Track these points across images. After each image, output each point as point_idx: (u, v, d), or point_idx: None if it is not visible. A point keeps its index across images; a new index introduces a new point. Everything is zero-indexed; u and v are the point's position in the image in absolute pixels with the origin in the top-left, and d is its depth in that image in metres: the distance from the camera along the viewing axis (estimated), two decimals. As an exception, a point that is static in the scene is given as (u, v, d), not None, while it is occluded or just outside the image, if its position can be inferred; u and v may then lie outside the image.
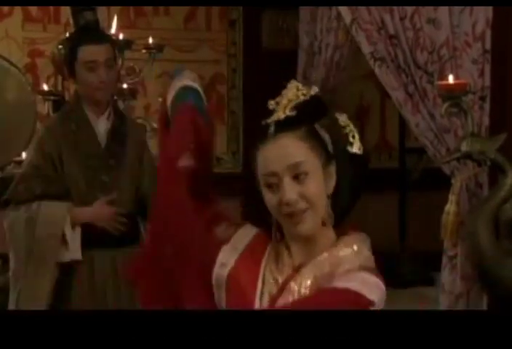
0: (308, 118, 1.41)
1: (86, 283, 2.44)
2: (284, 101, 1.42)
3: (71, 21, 3.07)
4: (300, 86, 1.45)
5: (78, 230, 2.43)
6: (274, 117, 1.41)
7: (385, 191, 5.12)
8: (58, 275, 2.43)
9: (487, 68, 2.65)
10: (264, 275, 1.41)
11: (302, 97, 1.42)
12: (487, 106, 2.65)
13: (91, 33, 2.58)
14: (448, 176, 2.72)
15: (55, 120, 2.61)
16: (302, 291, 1.36)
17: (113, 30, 3.13)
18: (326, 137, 1.41)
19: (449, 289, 2.73)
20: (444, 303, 2.75)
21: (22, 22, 4.51)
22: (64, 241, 2.41)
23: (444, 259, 2.76)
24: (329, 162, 1.41)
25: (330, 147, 1.41)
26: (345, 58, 4.30)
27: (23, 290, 2.42)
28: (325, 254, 1.39)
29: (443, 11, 2.71)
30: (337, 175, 1.42)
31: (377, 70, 2.92)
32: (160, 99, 3.49)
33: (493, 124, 2.64)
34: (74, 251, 2.41)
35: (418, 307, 3.15)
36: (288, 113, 1.40)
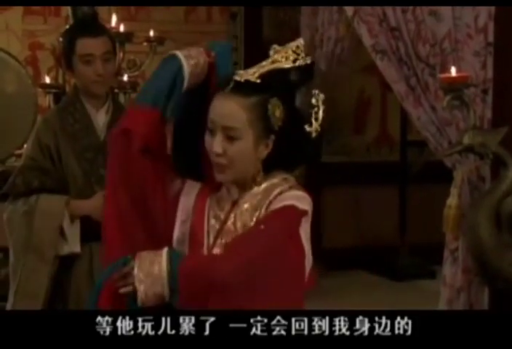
0: (269, 91, 1.47)
1: (86, 276, 2.43)
2: (268, 61, 1.49)
3: (70, 13, 3.06)
4: (301, 48, 1.50)
5: (77, 223, 2.42)
6: (239, 75, 1.47)
7: (385, 184, 5.11)
8: (57, 268, 2.43)
9: (490, 61, 2.64)
10: (208, 215, 1.55)
11: (287, 63, 1.50)
12: (489, 99, 2.64)
13: (88, 25, 2.55)
14: (449, 169, 2.71)
15: (53, 112, 2.57)
16: (242, 219, 1.51)
17: (113, 23, 3.12)
18: (278, 112, 1.46)
19: (450, 283, 2.73)
20: (444, 296, 2.75)
21: (23, 14, 4.50)
22: (62, 234, 2.40)
23: (446, 253, 2.75)
24: (266, 135, 1.49)
25: (275, 122, 1.48)
26: (347, 51, 4.28)
27: (21, 283, 2.42)
28: (258, 187, 1.54)
29: (445, 3, 2.70)
30: (282, 144, 1.50)
31: (378, 63, 2.91)
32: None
33: (495, 117, 2.63)
34: (73, 245, 2.40)
35: (419, 301, 3.15)
36: (253, 78, 1.47)
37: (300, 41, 1.49)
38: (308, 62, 1.49)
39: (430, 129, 2.78)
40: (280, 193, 1.51)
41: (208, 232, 1.53)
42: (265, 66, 1.48)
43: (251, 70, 1.48)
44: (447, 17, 2.71)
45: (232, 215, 1.52)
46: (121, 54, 3.12)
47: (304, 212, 1.49)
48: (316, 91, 1.50)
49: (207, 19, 4.94)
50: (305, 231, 1.48)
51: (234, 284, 1.36)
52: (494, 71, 2.63)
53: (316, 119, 1.50)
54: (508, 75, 2.65)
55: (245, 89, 1.46)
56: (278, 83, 1.48)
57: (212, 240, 1.52)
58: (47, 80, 3.44)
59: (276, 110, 1.47)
